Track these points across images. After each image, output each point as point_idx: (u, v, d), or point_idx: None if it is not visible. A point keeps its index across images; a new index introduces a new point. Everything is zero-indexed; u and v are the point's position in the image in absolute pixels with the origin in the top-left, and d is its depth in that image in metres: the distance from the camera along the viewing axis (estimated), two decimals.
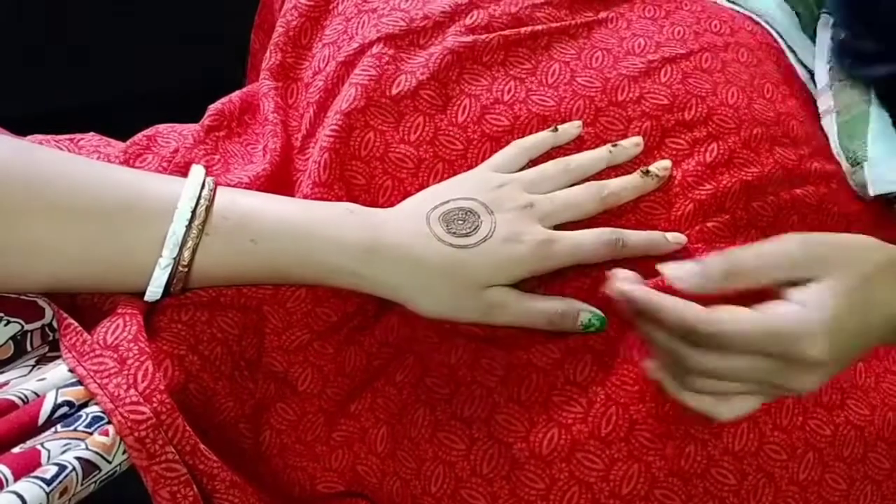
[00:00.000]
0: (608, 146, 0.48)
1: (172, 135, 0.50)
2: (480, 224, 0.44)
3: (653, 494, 0.42)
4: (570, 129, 0.49)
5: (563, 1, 0.54)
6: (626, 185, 0.47)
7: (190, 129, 0.50)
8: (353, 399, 0.45)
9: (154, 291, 0.41)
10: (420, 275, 0.43)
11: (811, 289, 0.37)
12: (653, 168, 0.48)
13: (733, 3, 0.59)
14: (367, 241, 0.42)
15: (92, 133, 0.49)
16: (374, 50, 0.50)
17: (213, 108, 0.52)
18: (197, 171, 0.43)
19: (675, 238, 0.46)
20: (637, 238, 0.46)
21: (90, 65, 0.85)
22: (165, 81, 0.86)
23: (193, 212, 0.40)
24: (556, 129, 0.48)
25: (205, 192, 0.41)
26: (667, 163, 0.48)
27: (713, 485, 0.42)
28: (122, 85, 0.87)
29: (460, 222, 0.43)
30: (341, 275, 0.43)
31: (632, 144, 0.48)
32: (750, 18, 0.58)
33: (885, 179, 0.48)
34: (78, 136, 0.49)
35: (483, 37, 0.51)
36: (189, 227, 0.40)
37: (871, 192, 0.48)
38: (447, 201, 0.44)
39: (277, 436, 0.44)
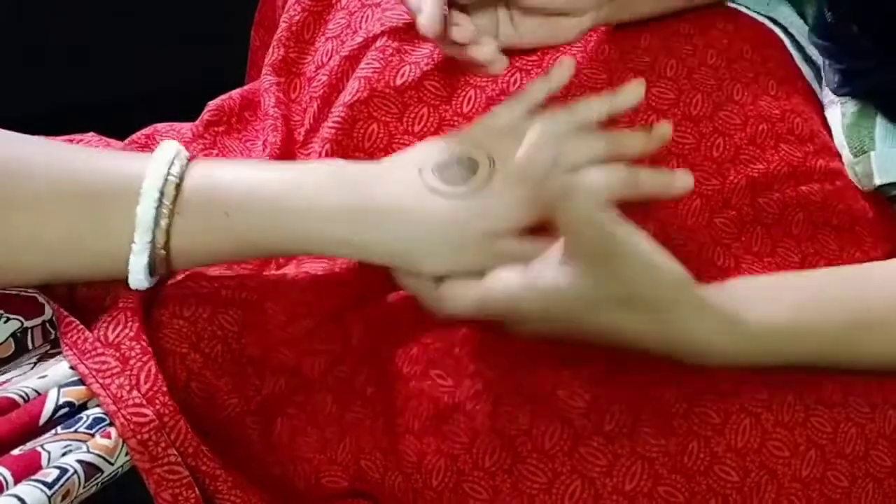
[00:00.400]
0: (608, 96, 0.46)
1: (171, 133, 0.50)
2: (478, 171, 0.41)
3: (656, 491, 0.42)
4: (563, 70, 0.46)
5: None
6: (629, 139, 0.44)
7: (189, 127, 0.50)
8: (364, 380, 0.44)
9: (137, 279, 0.39)
10: (417, 232, 0.40)
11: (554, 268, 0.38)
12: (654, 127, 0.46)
13: (747, 7, 0.59)
14: (354, 202, 0.40)
15: (91, 133, 0.49)
16: (379, 43, 0.50)
17: (213, 104, 0.51)
18: (166, 146, 0.40)
19: (684, 179, 0.44)
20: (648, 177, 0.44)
21: (90, 65, 0.85)
22: (165, 81, 0.85)
23: (161, 191, 0.38)
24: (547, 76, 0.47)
25: (174, 169, 0.39)
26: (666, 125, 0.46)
27: (716, 482, 0.42)
28: (122, 85, 0.86)
29: (456, 171, 0.41)
30: (329, 244, 0.41)
31: (631, 89, 0.45)
32: (754, 18, 0.58)
33: (890, 169, 0.48)
34: (77, 136, 0.49)
35: None
36: (159, 207, 0.38)
37: (877, 180, 0.48)
38: (442, 149, 0.42)
39: (289, 421, 0.44)
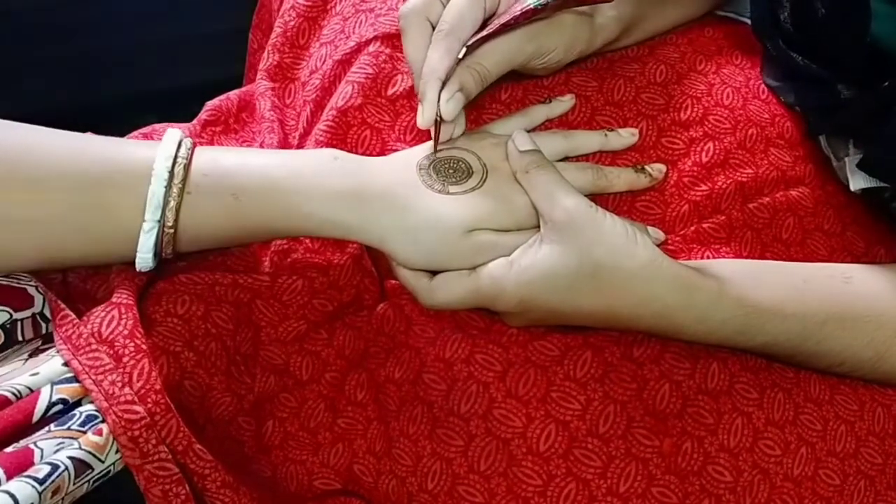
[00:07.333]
0: (603, 131, 0.49)
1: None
2: (472, 174, 0.44)
3: (650, 492, 0.42)
4: (565, 105, 0.50)
5: None
6: (618, 175, 0.47)
7: (186, 127, 0.50)
8: (354, 384, 0.45)
9: (144, 257, 0.40)
10: (406, 221, 0.42)
11: (533, 250, 0.42)
12: (648, 167, 0.48)
13: (736, 14, 0.59)
14: (353, 187, 0.42)
15: (90, 133, 0.49)
16: (371, 48, 0.50)
17: (211, 104, 0.52)
18: (172, 133, 0.42)
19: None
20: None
21: (90, 65, 0.85)
22: (165, 81, 0.86)
23: (171, 171, 0.39)
24: (549, 101, 0.49)
25: (182, 151, 0.40)
26: (662, 166, 0.48)
27: (709, 482, 0.42)
28: (122, 85, 0.87)
29: (451, 171, 0.44)
30: (331, 226, 0.42)
31: (628, 133, 0.49)
32: (743, 22, 0.59)
33: (863, 175, 0.48)
34: None
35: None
36: (168, 187, 0.39)
37: (852, 187, 0.48)
38: (440, 150, 0.45)
39: (281, 424, 0.44)
